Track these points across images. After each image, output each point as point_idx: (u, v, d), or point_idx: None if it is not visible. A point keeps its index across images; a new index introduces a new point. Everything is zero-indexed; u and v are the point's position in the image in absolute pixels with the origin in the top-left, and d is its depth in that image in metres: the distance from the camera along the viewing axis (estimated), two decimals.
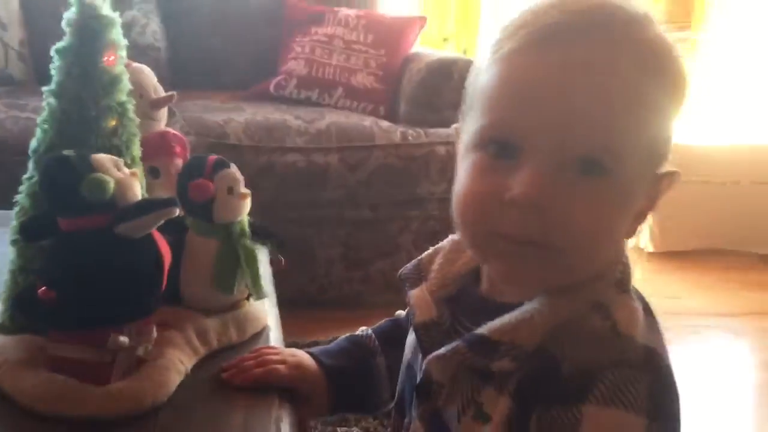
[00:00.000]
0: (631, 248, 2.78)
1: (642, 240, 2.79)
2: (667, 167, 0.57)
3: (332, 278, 2.11)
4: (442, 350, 0.58)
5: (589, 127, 0.52)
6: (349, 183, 2.03)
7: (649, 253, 2.78)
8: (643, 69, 0.53)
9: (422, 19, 2.46)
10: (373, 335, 0.78)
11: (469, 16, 3.33)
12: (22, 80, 2.22)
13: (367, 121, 2.11)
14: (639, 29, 0.54)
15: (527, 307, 0.55)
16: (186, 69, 2.43)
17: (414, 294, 0.66)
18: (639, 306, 0.57)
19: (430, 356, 0.59)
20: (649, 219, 2.37)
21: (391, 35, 2.36)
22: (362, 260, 2.11)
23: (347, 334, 0.80)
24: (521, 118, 0.53)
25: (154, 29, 2.38)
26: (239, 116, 2.03)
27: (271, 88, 2.29)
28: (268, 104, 2.20)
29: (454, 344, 0.57)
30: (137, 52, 2.24)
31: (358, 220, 2.07)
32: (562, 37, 0.52)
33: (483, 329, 0.55)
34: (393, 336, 0.76)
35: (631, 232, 0.57)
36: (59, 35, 2.37)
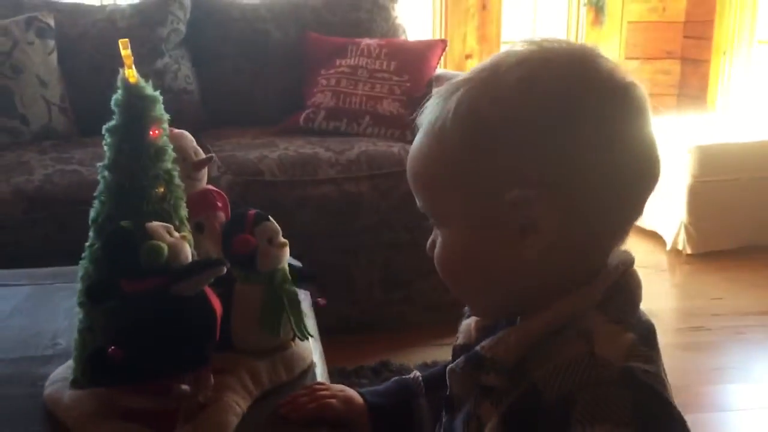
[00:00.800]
0: (669, 251, 2.79)
1: (679, 242, 2.79)
2: (519, 191, 0.57)
3: (373, 302, 2.17)
4: (453, 364, 0.64)
5: (416, 195, 0.63)
6: (382, 209, 2.09)
7: (688, 255, 2.77)
8: (457, 124, 0.58)
9: (443, 42, 2.52)
10: (420, 377, 0.83)
11: (491, 31, 3.39)
12: (65, 133, 2.33)
13: (395, 147, 2.18)
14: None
15: (509, 329, 0.61)
16: (217, 109, 2.53)
17: (464, 322, 0.72)
18: (629, 336, 0.57)
19: (448, 369, 0.65)
20: (685, 220, 2.36)
21: (413, 61, 2.43)
22: (402, 282, 2.16)
23: (396, 378, 0.85)
24: None
25: (185, 74, 2.49)
26: (272, 152, 2.11)
27: (301, 121, 2.36)
28: (299, 137, 2.27)
29: (460, 359, 0.63)
30: (171, 96, 2.35)
31: (395, 243, 2.13)
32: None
33: (478, 346, 0.61)
34: (442, 377, 0.81)
35: (524, 252, 0.58)
36: (96, 89, 2.50)
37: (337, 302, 2.04)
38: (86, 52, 2.43)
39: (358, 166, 2.10)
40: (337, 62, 2.45)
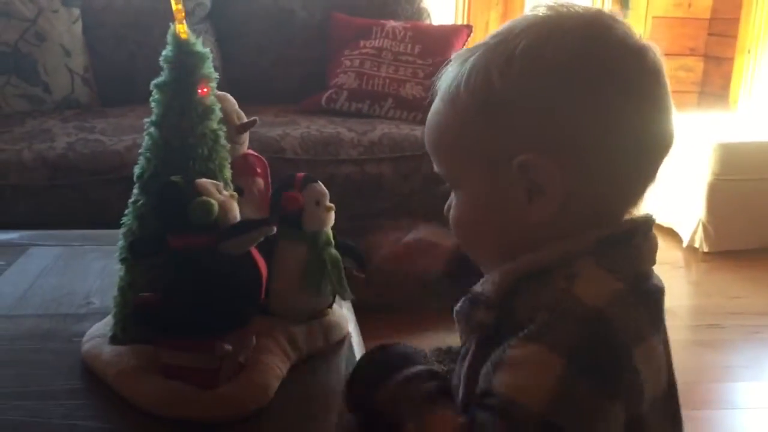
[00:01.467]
0: (686, 248, 2.78)
1: (696, 240, 2.77)
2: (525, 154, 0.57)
3: (389, 284, 2.16)
4: (457, 305, 0.64)
5: (434, 160, 0.64)
6: (404, 191, 2.08)
7: (705, 253, 2.76)
8: (469, 90, 0.59)
9: (468, 28, 2.51)
10: None
11: (515, 17, 3.35)
12: (87, 104, 2.33)
13: (418, 131, 2.16)
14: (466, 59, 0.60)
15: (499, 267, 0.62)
16: (239, 85, 2.50)
17: None
18: (617, 285, 0.56)
19: (454, 311, 0.65)
20: (703, 218, 2.35)
21: (438, 45, 2.41)
22: None
23: None
24: None
25: (208, 48, 2.47)
26: (294, 131, 2.10)
27: (323, 101, 2.35)
28: (321, 117, 2.26)
29: (462, 300, 0.64)
30: None
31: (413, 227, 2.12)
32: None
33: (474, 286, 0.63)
34: None
35: (532, 214, 0.58)
36: (119, 60, 2.50)
37: (353, 283, 2.03)
38: (110, 23, 2.42)
39: (380, 147, 2.09)
40: (362, 44, 2.43)
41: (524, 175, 0.57)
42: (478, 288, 0.60)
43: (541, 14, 0.59)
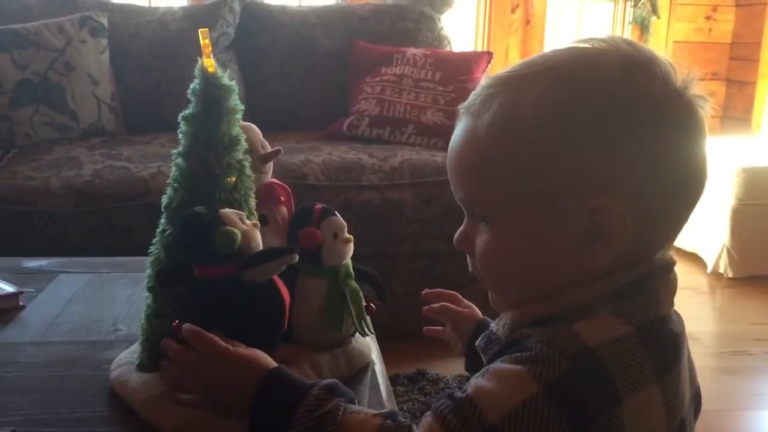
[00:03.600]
0: (710, 273, 2.75)
1: (721, 265, 2.74)
2: (602, 200, 0.56)
3: (410, 310, 2.16)
4: (477, 341, 0.66)
5: (461, 187, 0.61)
6: (424, 218, 2.09)
7: (729, 279, 2.73)
8: (495, 128, 0.57)
9: (489, 54, 2.52)
10: None
11: (533, 46, 3.38)
12: (114, 132, 2.37)
13: (439, 157, 2.17)
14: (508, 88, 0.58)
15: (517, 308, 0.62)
16: (263, 112, 2.55)
17: None
18: (624, 329, 0.55)
19: (476, 343, 0.66)
20: (727, 243, 2.33)
21: (458, 72, 2.43)
22: None
23: None
24: None
25: (232, 77, 2.51)
26: (316, 157, 2.13)
27: (345, 127, 2.38)
28: (343, 143, 2.28)
29: (481, 337, 0.65)
30: None
31: (434, 254, 2.12)
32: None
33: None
34: None
35: (585, 259, 0.57)
36: (145, 89, 2.54)
37: (378, 306, 2.04)
38: (137, 52, 2.47)
39: (401, 173, 2.10)
40: (383, 70, 2.46)
41: (593, 218, 0.55)
42: (494, 327, 0.61)
43: (608, 48, 0.59)
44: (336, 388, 0.61)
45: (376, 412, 0.59)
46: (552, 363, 0.52)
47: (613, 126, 0.55)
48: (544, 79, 0.57)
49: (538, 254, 0.58)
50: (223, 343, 0.65)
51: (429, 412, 0.55)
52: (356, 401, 0.61)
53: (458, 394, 0.54)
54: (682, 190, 0.58)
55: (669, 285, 0.60)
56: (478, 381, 0.54)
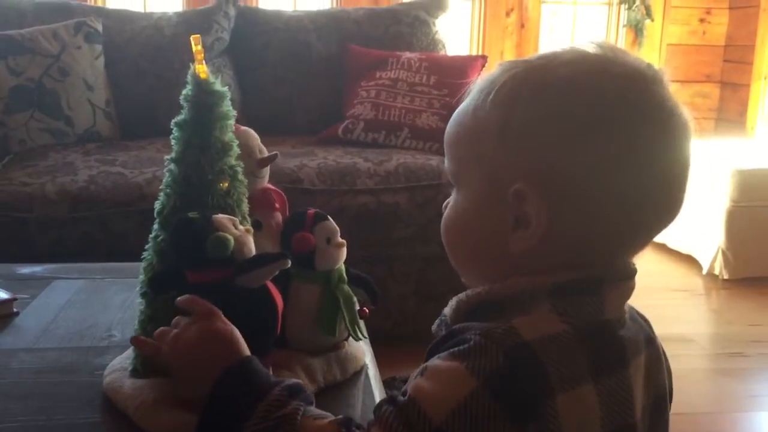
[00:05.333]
0: (705, 275, 2.76)
1: (716, 267, 2.75)
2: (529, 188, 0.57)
3: (406, 314, 2.16)
4: (434, 324, 0.65)
5: (446, 156, 0.65)
6: (419, 221, 2.09)
7: (724, 280, 2.74)
8: (494, 103, 0.59)
9: (483, 58, 2.53)
10: None
11: (528, 50, 3.39)
12: (109, 137, 2.37)
13: (434, 160, 2.18)
14: (510, 70, 0.59)
15: (462, 293, 0.62)
16: (258, 117, 2.55)
17: None
18: (561, 327, 0.56)
19: (432, 328, 0.66)
20: (722, 245, 2.33)
21: (453, 75, 2.43)
22: (435, 295, 2.16)
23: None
24: None
25: (227, 81, 2.52)
26: (311, 161, 2.13)
27: (340, 132, 2.38)
28: (338, 148, 2.29)
29: (438, 319, 0.65)
30: None
31: (429, 257, 2.13)
32: None
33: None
34: None
35: (511, 242, 0.58)
36: (140, 94, 2.55)
37: (371, 311, 2.04)
38: (132, 57, 2.47)
39: (396, 177, 2.11)
40: (377, 75, 2.47)
41: (517, 202, 0.57)
42: (445, 310, 0.62)
43: (590, 51, 0.59)
44: (298, 390, 0.62)
45: (333, 417, 0.59)
46: (489, 356, 0.52)
47: (563, 123, 0.56)
48: (516, 71, 0.59)
49: (477, 226, 0.61)
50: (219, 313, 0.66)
51: (372, 420, 0.55)
52: (314, 404, 0.62)
53: (400, 397, 0.54)
54: (649, 201, 0.57)
55: (620, 292, 0.60)
56: (417, 381, 0.54)
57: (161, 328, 0.69)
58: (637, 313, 0.65)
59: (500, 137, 0.58)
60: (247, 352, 0.65)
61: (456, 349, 0.53)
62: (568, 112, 0.56)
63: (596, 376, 0.55)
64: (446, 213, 0.65)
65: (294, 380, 0.63)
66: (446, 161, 0.65)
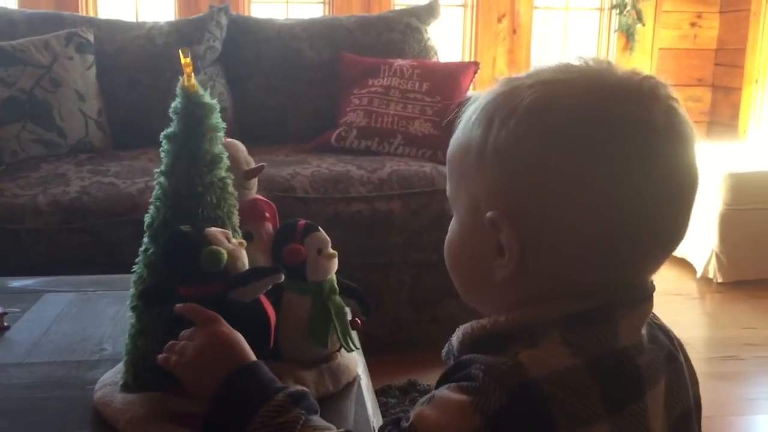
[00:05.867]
0: (699, 279, 2.76)
1: (710, 270, 2.76)
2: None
3: (401, 321, 2.16)
4: (443, 350, 0.64)
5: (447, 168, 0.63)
6: (413, 228, 2.09)
7: (718, 284, 2.74)
8: (477, 121, 0.57)
9: (475, 64, 2.53)
10: None
11: (520, 56, 3.40)
12: (101, 147, 2.37)
13: (427, 167, 2.18)
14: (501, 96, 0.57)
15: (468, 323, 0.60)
16: (251, 126, 2.55)
17: None
18: (572, 361, 0.53)
19: (442, 353, 0.65)
20: (716, 248, 2.32)
21: (445, 82, 2.44)
22: (430, 302, 2.15)
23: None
24: None
25: (220, 91, 2.52)
26: (304, 170, 2.13)
27: (333, 140, 2.38)
28: (331, 156, 2.29)
29: (446, 344, 0.63)
30: None
31: (423, 264, 2.12)
32: None
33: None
34: None
35: (494, 270, 0.57)
36: (132, 104, 2.53)
37: (364, 321, 2.04)
38: (123, 67, 2.47)
39: (389, 184, 2.10)
40: (370, 82, 2.47)
41: (493, 231, 0.56)
42: (452, 338, 0.60)
43: (576, 70, 0.56)
44: (301, 398, 0.61)
45: (336, 429, 0.59)
46: (493, 395, 0.51)
47: (533, 149, 0.54)
48: (503, 89, 0.57)
49: (466, 252, 0.60)
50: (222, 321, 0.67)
51: None
52: (318, 413, 0.62)
53: (404, 423, 0.53)
54: (645, 225, 0.54)
55: (636, 315, 0.57)
56: (423, 409, 0.53)
57: (171, 341, 0.69)
58: (658, 325, 0.62)
59: (478, 159, 0.56)
60: (253, 356, 0.66)
61: (464, 383, 0.52)
62: (533, 141, 0.54)
63: (612, 412, 0.53)
64: (447, 236, 0.63)
65: (300, 387, 0.63)
66: (448, 184, 0.63)
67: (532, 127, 0.54)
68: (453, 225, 0.62)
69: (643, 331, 0.58)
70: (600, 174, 0.53)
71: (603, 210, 0.53)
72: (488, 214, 0.55)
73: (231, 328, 0.67)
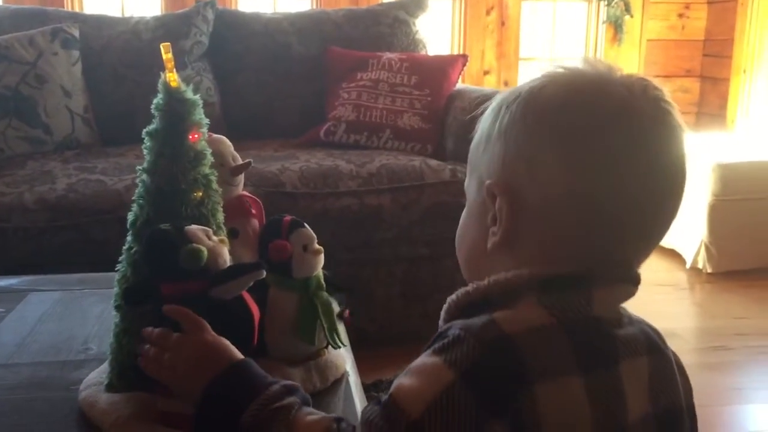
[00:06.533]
0: (689, 269, 2.77)
1: (699, 261, 2.77)
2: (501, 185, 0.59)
3: (392, 316, 2.16)
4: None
5: None
6: (403, 222, 2.08)
7: (708, 274, 2.75)
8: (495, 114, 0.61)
9: (464, 57, 2.53)
10: None
11: (509, 48, 3.40)
12: (88, 144, 2.35)
13: (417, 161, 2.17)
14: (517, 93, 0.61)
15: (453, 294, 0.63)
16: (239, 121, 2.54)
17: None
18: (547, 319, 0.55)
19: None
20: (705, 239, 2.33)
21: (434, 75, 2.43)
22: (420, 296, 2.15)
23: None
24: None
25: (207, 86, 2.50)
26: (293, 165, 2.12)
27: (321, 134, 2.37)
28: (320, 150, 2.28)
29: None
30: None
31: (414, 258, 2.12)
32: None
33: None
34: None
35: (489, 241, 0.60)
36: (119, 100, 2.51)
37: (355, 315, 2.03)
38: (109, 63, 2.45)
39: (378, 178, 2.10)
40: (358, 76, 2.46)
41: (490, 200, 0.59)
42: (441, 312, 0.62)
43: (584, 71, 0.59)
44: (294, 389, 0.64)
45: (326, 415, 0.61)
46: (466, 349, 0.52)
47: (529, 128, 0.58)
48: (515, 89, 0.61)
49: (470, 231, 0.63)
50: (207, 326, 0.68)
51: (360, 422, 0.55)
52: (310, 404, 0.64)
53: (384, 397, 0.54)
54: (627, 209, 0.57)
55: (612, 292, 0.59)
56: (399, 379, 0.54)
57: (147, 346, 0.69)
58: (648, 325, 0.63)
59: (487, 142, 0.61)
60: (240, 356, 0.67)
61: (436, 344, 0.54)
62: (531, 115, 0.58)
63: (584, 370, 0.54)
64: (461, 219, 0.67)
65: (291, 381, 0.66)
66: None
67: (526, 109, 0.58)
68: (463, 212, 0.66)
69: (625, 314, 0.61)
70: (579, 158, 0.56)
71: (581, 195, 0.56)
72: (486, 182, 0.59)
73: (216, 335, 0.68)
